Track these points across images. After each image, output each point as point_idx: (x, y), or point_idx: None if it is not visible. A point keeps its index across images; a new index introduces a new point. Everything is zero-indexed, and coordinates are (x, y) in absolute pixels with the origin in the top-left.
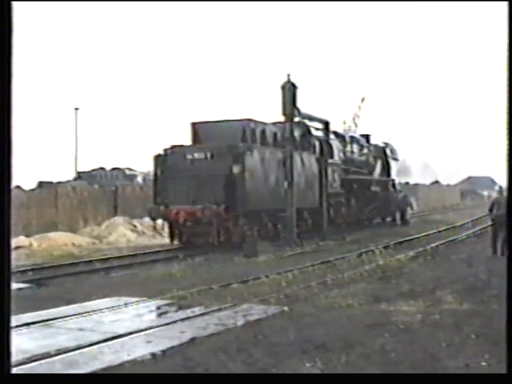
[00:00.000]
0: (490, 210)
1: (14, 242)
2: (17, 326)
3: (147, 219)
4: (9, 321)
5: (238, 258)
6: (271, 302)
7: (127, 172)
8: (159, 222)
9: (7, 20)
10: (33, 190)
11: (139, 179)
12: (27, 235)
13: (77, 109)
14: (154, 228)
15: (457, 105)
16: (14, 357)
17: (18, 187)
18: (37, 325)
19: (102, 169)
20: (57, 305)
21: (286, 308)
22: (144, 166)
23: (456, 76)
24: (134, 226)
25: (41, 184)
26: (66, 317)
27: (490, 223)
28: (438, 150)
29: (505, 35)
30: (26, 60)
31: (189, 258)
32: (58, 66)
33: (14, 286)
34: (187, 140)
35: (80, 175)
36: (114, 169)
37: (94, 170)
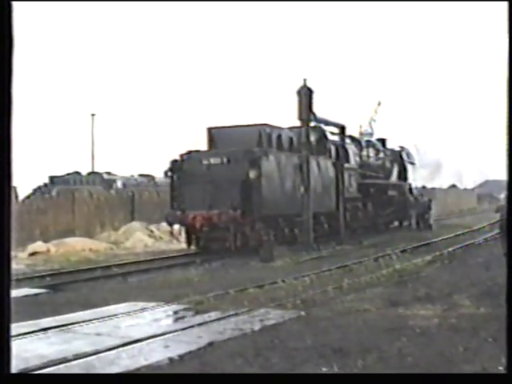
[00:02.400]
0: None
1: (32, 247)
2: (34, 331)
3: (164, 224)
4: (9, 321)
5: (254, 262)
6: (288, 307)
7: (105, 176)
8: (176, 227)
9: (7, 20)
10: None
11: (119, 184)
12: (44, 241)
13: (93, 115)
14: (171, 233)
15: (473, 108)
16: (32, 361)
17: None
18: (54, 330)
19: (77, 173)
20: (74, 310)
21: (302, 312)
22: (125, 170)
23: (470, 79)
24: (151, 231)
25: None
26: (84, 322)
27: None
28: (453, 152)
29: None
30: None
31: (206, 262)
32: (73, 70)
33: (32, 291)
34: (203, 145)
35: (53, 180)
36: (90, 173)
37: (68, 174)
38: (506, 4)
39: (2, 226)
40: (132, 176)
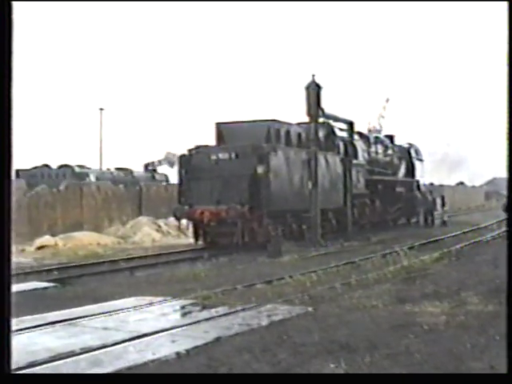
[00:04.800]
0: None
1: (40, 241)
2: (42, 325)
3: (172, 219)
4: (9, 321)
5: (262, 258)
6: (295, 303)
7: (77, 170)
8: (184, 221)
9: (7, 20)
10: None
11: (92, 178)
12: (53, 235)
13: (102, 109)
14: (179, 228)
15: (480, 105)
16: (40, 355)
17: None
18: (62, 323)
19: (46, 166)
20: (82, 304)
21: (310, 308)
22: (98, 163)
23: (478, 77)
24: (159, 226)
25: None
26: (91, 316)
27: None
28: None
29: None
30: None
31: (213, 257)
32: (81, 65)
33: (40, 284)
34: (211, 140)
35: (19, 174)
36: (61, 166)
37: (35, 168)
38: (505, 4)
39: (2, 225)
40: (108, 169)
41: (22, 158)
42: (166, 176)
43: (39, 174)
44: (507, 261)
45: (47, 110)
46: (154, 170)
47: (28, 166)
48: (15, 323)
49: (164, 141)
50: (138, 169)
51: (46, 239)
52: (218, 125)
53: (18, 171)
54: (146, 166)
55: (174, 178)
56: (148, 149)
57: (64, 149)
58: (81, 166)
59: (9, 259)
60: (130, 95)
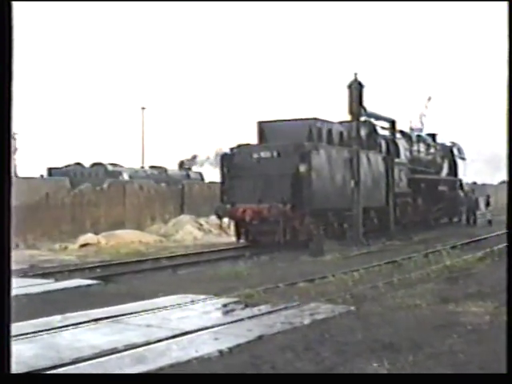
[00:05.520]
0: None
1: (83, 239)
2: (86, 322)
3: (213, 217)
4: (9, 320)
5: (303, 256)
6: (338, 302)
7: (110, 168)
8: (225, 220)
9: (7, 20)
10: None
11: (125, 176)
12: (95, 232)
13: (143, 108)
14: (220, 226)
15: None
16: (84, 351)
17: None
18: (105, 320)
19: (78, 164)
20: (125, 301)
21: (352, 307)
22: (133, 162)
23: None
24: (200, 225)
25: None
26: (134, 313)
27: None
28: (503, 147)
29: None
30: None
31: (255, 256)
32: (125, 64)
33: (84, 282)
34: (253, 139)
35: (51, 172)
36: (94, 164)
37: (68, 166)
38: (505, 4)
39: (2, 230)
40: (142, 168)
41: (55, 156)
42: (200, 174)
43: (72, 173)
44: (507, 261)
45: (81, 109)
46: (189, 169)
47: (60, 165)
48: (60, 320)
49: (200, 139)
50: (172, 167)
51: (89, 237)
52: (260, 123)
53: (50, 169)
54: (181, 164)
55: (209, 177)
56: (182, 147)
57: (97, 148)
58: (114, 165)
59: (9, 259)
60: (168, 94)
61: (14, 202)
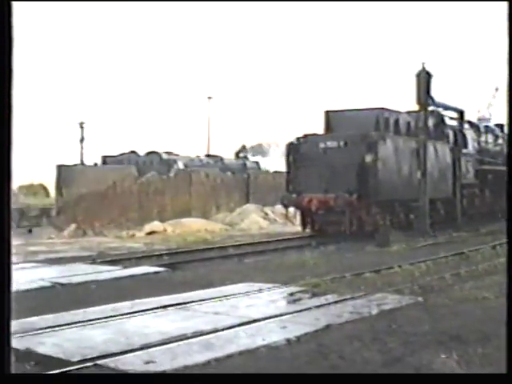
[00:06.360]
0: None
1: (149, 227)
2: (154, 308)
3: (278, 207)
4: (9, 320)
5: (370, 247)
6: (405, 292)
7: (164, 156)
8: (290, 209)
9: (7, 20)
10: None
11: (180, 164)
12: (161, 220)
13: (210, 97)
14: (286, 216)
15: None
16: (153, 337)
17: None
18: (174, 307)
19: (133, 152)
20: (192, 289)
21: (420, 298)
22: (187, 150)
23: None
24: (266, 214)
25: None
26: (202, 300)
27: None
28: None
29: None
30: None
31: (321, 245)
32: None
33: (151, 269)
34: (319, 129)
35: (105, 160)
36: (149, 153)
37: (122, 154)
38: (505, 4)
39: (2, 228)
40: (197, 156)
41: (111, 145)
42: (257, 164)
43: (126, 161)
44: (507, 261)
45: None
46: (246, 157)
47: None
48: (129, 306)
49: (263, 129)
50: (229, 156)
51: (156, 225)
52: (327, 113)
53: (104, 157)
54: (237, 153)
55: (265, 166)
56: (239, 137)
57: (154, 137)
58: (168, 153)
59: (9, 260)
60: (233, 84)
61: (82, 189)
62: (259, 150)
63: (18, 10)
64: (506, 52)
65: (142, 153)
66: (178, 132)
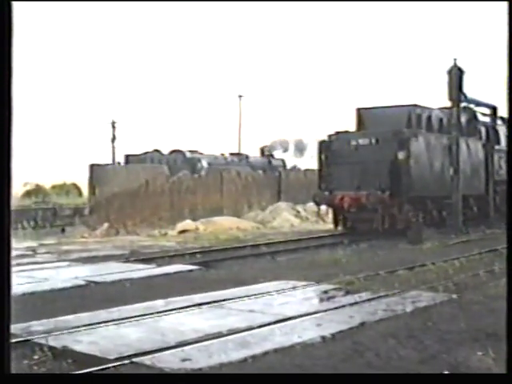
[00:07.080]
0: None
1: (182, 225)
2: (189, 306)
3: (310, 205)
4: (9, 320)
5: (402, 244)
6: (439, 290)
7: (188, 155)
8: (322, 207)
9: (7, 20)
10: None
11: (204, 163)
12: (193, 219)
13: (240, 96)
14: (318, 213)
15: None
16: (188, 335)
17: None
18: (208, 305)
19: (157, 151)
20: (226, 287)
21: (454, 296)
22: (211, 149)
23: None
24: (297, 212)
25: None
26: (236, 298)
27: None
28: None
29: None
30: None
31: (353, 243)
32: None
33: (185, 267)
34: (351, 126)
35: (128, 159)
36: (172, 151)
37: (146, 153)
38: (505, 4)
39: (2, 228)
40: (222, 155)
41: (135, 144)
42: (283, 161)
43: (149, 160)
44: (507, 261)
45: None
46: (271, 155)
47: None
48: (164, 304)
49: (293, 126)
50: (254, 154)
51: (188, 223)
52: (359, 110)
53: (127, 156)
54: (262, 150)
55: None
56: (263, 134)
57: (175, 135)
58: (192, 151)
59: (9, 260)
60: (263, 82)
61: (114, 188)
62: (300, 145)
63: (54, 11)
64: (505, 52)
65: (165, 151)
66: (201, 130)
